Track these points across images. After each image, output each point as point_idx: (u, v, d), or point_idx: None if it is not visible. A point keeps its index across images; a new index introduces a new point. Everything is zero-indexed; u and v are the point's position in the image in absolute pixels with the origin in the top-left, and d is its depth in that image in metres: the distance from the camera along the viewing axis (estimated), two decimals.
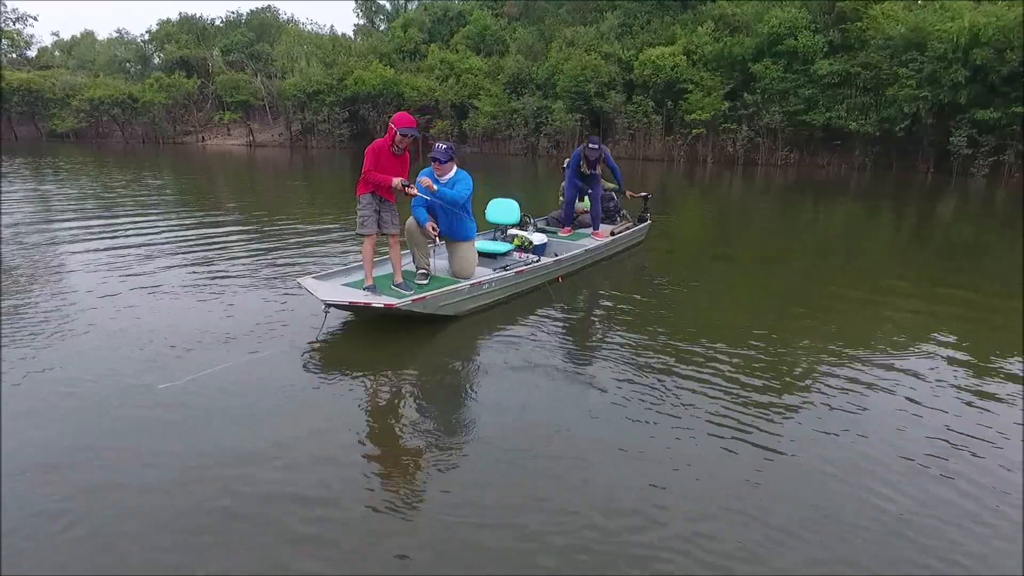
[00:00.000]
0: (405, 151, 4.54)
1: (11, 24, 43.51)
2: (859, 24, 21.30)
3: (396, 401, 3.61)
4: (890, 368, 4.08)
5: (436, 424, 3.33)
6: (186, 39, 40.22)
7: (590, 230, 7.23)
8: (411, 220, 4.89)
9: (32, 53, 47.87)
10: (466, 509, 2.58)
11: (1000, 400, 3.66)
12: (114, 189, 13.54)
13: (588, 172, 6.91)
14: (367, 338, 4.49)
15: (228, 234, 8.40)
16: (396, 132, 4.40)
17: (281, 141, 35.12)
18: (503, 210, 6.42)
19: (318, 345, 4.26)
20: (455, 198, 4.77)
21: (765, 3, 23.33)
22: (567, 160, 7.25)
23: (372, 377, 3.83)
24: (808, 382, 3.86)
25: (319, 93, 31.46)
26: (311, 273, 5.04)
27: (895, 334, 4.84)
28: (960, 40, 18.59)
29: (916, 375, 3.99)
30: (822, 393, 3.70)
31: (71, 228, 8.58)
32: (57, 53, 49.64)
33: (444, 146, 4.77)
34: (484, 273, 5.12)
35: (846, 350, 4.37)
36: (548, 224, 7.51)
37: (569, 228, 7.25)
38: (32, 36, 64.35)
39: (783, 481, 2.81)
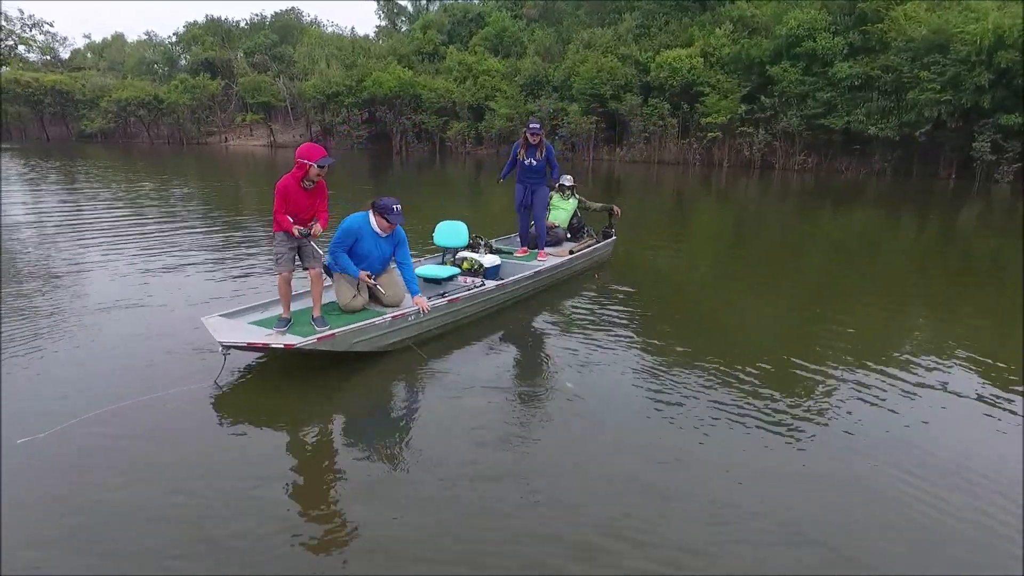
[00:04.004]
0: (319, 183, 4.11)
1: (28, 30, 44.92)
2: (880, 26, 20.95)
3: (292, 460, 3.04)
4: (909, 377, 4.06)
5: (340, 490, 2.82)
6: (211, 41, 41.14)
7: (556, 248, 6.72)
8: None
9: (66, 55, 49.41)
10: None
11: (1007, 400, 3.72)
12: (119, 195, 13.92)
13: (527, 162, 6.27)
14: (276, 381, 3.94)
15: (208, 247, 7.81)
16: (311, 166, 3.94)
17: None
18: (450, 233, 5.97)
19: (216, 392, 3.68)
20: (416, 274, 4.62)
21: (784, 4, 23.08)
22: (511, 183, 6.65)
23: (270, 430, 3.29)
24: (822, 390, 3.81)
25: (338, 95, 31.94)
26: (220, 310, 4.41)
27: (914, 343, 4.82)
28: (984, 42, 18.21)
29: (935, 381, 4.00)
30: (832, 403, 3.65)
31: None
32: (89, 55, 51.11)
33: (399, 207, 4.38)
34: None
35: (864, 357, 4.34)
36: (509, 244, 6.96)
37: (525, 248, 6.64)
38: (67, 38, 66.37)
39: (790, 489, 2.81)
